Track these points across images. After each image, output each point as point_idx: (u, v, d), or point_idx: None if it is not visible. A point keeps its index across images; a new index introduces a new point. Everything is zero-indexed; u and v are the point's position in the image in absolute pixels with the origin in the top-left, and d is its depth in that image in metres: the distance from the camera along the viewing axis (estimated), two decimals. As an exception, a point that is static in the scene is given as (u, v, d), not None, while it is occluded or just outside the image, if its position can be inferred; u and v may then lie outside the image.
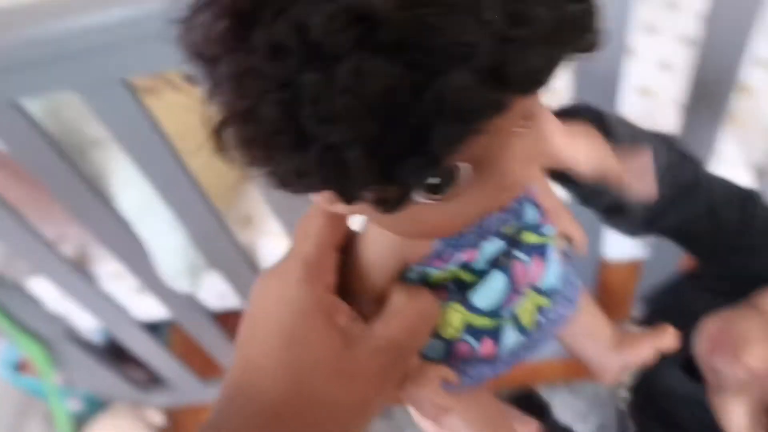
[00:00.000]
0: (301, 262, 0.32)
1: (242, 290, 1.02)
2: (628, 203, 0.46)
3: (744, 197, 0.52)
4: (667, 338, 0.43)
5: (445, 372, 0.35)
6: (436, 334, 0.35)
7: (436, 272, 0.34)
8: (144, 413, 1.35)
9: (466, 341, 0.36)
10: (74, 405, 1.37)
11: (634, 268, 1.11)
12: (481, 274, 0.34)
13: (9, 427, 1.34)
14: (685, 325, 0.49)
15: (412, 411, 0.37)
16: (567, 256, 0.40)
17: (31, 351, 1.17)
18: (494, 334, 0.36)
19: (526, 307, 0.37)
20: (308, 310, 0.31)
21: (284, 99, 0.22)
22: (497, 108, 0.23)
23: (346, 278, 0.34)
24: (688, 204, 0.49)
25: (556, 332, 0.41)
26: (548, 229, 0.37)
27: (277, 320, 0.31)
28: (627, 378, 0.60)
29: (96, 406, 1.37)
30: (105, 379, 1.31)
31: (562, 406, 1.23)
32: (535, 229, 0.36)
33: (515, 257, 0.35)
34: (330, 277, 0.33)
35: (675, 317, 0.53)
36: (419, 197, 0.26)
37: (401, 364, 0.33)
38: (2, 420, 1.34)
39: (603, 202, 0.48)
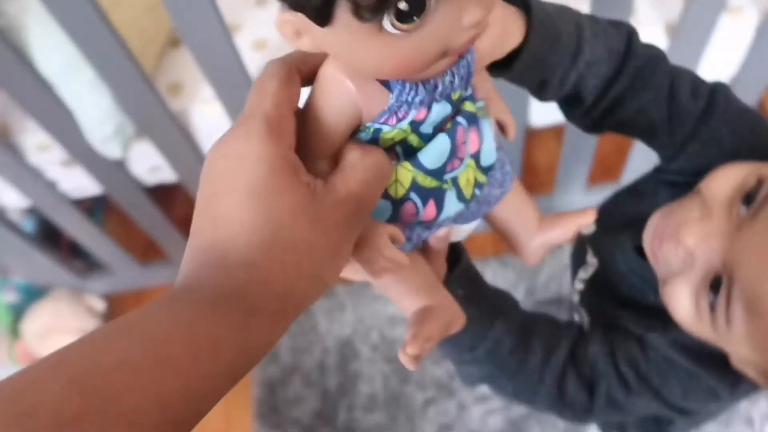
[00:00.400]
0: (263, 120, 0.32)
1: (176, 162, 1.01)
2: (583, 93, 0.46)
3: (706, 87, 0.50)
4: (587, 217, 0.45)
5: (394, 229, 0.36)
6: (386, 195, 0.37)
7: (388, 130, 0.35)
8: (84, 299, 1.35)
9: (413, 201, 0.37)
10: (10, 296, 1.36)
11: (557, 133, 1.15)
12: (426, 139, 0.36)
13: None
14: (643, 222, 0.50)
15: (363, 272, 0.37)
16: (499, 142, 0.42)
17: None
18: (438, 196, 0.38)
19: (467, 177, 0.39)
20: (275, 165, 0.31)
21: None
22: None
23: (301, 141, 0.34)
24: (648, 90, 0.47)
25: (487, 210, 0.44)
26: (482, 103, 0.39)
27: (245, 177, 0.31)
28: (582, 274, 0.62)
29: (33, 296, 1.36)
30: (41, 266, 1.30)
31: (493, 276, 1.30)
32: (472, 99, 0.38)
33: (458, 123, 0.37)
34: (290, 138, 0.33)
35: (630, 215, 0.56)
36: (389, 26, 0.28)
37: (361, 216, 0.34)
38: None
39: (559, 92, 0.46)
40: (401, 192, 0.37)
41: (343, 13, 0.28)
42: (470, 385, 0.97)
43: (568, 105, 0.49)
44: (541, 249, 0.47)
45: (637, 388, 0.51)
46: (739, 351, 0.44)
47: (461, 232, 0.45)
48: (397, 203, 0.37)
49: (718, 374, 0.49)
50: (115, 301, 1.43)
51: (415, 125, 0.35)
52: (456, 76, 0.35)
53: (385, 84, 0.34)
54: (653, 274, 0.49)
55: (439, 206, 0.38)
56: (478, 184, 0.40)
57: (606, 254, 0.59)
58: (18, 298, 1.36)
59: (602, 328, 0.54)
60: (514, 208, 0.46)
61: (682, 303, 0.45)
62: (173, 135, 0.96)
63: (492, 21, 0.35)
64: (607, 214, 0.54)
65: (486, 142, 0.39)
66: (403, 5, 0.28)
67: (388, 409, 1.21)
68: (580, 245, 0.64)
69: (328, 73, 0.34)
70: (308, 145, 0.35)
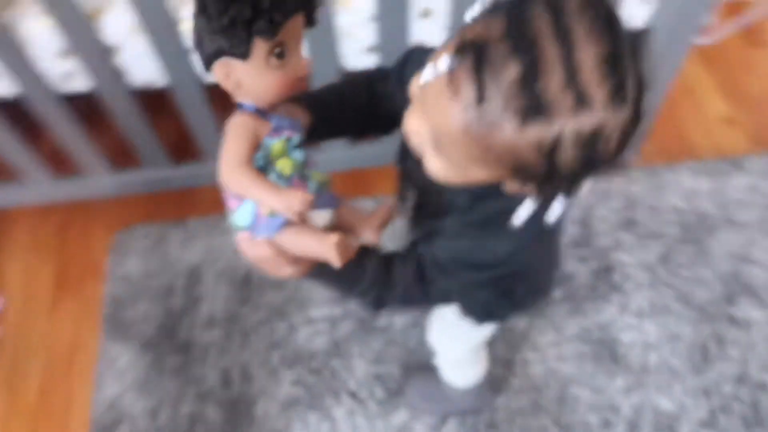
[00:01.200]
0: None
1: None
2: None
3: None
4: (384, 212, 0.72)
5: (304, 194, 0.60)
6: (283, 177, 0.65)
7: (274, 142, 0.64)
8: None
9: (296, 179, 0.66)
10: None
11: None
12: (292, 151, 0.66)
13: None
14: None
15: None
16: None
17: None
18: (304, 180, 0.67)
19: (315, 176, 0.69)
20: None
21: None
22: (286, 15, 0.58)
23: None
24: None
25: (328, 207, 0.71)
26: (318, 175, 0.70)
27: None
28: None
29: None
30: None
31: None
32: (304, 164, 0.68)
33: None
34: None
35: None
36: (270, 61, 0.60)
37: None
38: None
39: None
40: (288, 173, 0.66)
41: (258, 50, 0.58)
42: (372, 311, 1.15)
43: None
44: (371, 238, 0.72)
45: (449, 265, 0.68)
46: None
47: (316, 217, 0.69)
48: (289, 179, 0.66)
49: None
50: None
51: (287, 139, 0.64)
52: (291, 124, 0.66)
53: (267, 118, 0.63)
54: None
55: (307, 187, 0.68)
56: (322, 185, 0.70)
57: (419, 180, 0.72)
58: None
59: (424, 237, 0.71)
60: (345, 215, 0.73)
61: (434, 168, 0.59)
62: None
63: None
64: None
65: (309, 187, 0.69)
66: (278, 51, 0.60)
67: (225, 328, 1.35)
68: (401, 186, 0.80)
69: (239, 120, 0.63)
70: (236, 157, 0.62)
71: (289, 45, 0.60)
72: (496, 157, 0.50)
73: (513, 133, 0.47)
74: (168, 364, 1.32)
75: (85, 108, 1.36)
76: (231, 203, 0.67)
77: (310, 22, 0.62)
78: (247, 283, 1.40)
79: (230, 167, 0.61)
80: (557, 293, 1.36)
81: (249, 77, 0.60)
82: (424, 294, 0.72)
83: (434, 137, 0.54)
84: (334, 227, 0.71)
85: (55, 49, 1.16)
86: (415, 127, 0.57)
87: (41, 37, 1.14)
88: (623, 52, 0.47)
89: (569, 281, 1.37)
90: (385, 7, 1.11)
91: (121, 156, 1.47)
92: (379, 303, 0.74)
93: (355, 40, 1.19)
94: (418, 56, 0.68)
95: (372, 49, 1.21)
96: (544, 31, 0.46)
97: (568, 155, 0.48)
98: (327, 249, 0.64)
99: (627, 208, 1.48)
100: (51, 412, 1.31)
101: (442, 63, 0.50)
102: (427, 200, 0.72)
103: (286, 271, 0.70)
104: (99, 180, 1.46)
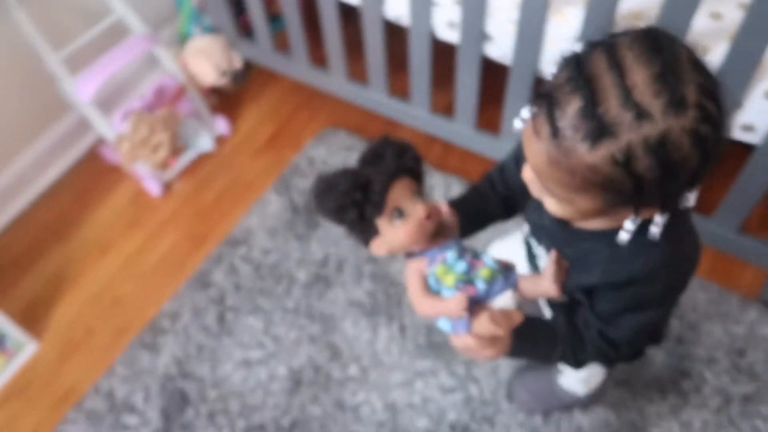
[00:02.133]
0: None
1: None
2: None
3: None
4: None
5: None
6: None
7: (435, 269, 0.77)
8: (231, 51, 1.88)
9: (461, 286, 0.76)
10: (197, 29, 1.93)
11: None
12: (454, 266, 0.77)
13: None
14: None
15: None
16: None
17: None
18: (469, 283, 0.76)
19: (482, 273, 0.76)
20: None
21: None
22: (381, 194, 0.72)
23: None
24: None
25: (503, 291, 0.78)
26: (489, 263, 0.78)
27: None
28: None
29: (206, 31, 1.92)
30: (222, 16, 1.84)
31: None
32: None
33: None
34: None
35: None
36: (395, 223, 0.74)
37: None
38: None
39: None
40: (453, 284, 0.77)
41: (382, 223, 0.73)
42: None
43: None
44: (553, 292, 0.76)
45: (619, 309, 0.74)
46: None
47: (498, 303, 0.78)
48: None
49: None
50: (249, 65, 1.97)
51: (445, 263, 0.76)
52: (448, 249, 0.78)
53: (423, 255, 0.78)
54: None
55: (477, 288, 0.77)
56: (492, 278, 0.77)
57: (540, 231, 0.82)
58: (198, 30, 1.93)
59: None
60: (526, 287, 0.79)
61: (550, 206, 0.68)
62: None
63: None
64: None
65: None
66: (396, 214, 0.73)
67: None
68: (527, 246, 0.90)
69: (408, 268, 0.79)
70: None
71: (402, 203, 0.73)
72: (583, 180, 0.58)
73: (587, 154, 0.56)
74: (299, 229, 1.63)
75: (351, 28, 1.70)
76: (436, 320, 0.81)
77: (416, 176, 0.75)
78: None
79: (415, 303, 0.77)
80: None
81: (390, 241, 0.74)
82: (612, 348, 0.78)
83: (538, 177, 0.64)
84: (521, 303, 0.87)
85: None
86: (528, 175, 0.67)
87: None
88: (676, 67, 0.54)
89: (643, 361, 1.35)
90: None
91: (360, 73, 1.79)
92: (578, 363, 0.81)
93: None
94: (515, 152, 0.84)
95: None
96: (599, 67, 0.55)
97: (644, 164, 0.54)
98: (487, 324, 0.74)
99: (747, 338, 1.37)
100: (213, 215, 1.72)
101: (525, 113, 0.63)
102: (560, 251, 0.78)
103: (489, 353, 0.78)
104: (340, 82, 1.80)
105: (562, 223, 0.75)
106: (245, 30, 1.91)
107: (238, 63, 1.90)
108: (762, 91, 1.16)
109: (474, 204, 0.89)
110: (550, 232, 0.79)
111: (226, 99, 1.98)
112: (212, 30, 1.93)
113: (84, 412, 1.41)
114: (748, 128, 1.21)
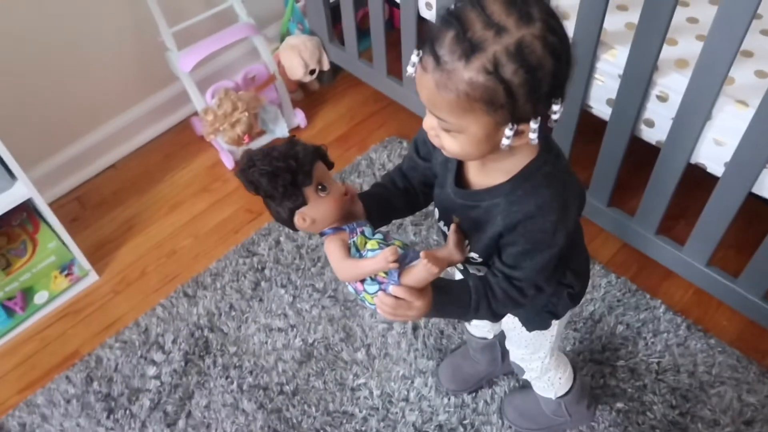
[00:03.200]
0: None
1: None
2: None
3: None
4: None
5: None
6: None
7: (355, 239, 0.83)
8: (322, 53, 2.04)
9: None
10: (297, 29, 2.11)
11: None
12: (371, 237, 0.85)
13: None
14: None
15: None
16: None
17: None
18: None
19: (396, 243, 0.84)
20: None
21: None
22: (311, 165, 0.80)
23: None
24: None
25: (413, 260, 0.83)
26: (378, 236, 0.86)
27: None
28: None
29: (304, 32, 2.09)
30: (319, 20, 2.01)
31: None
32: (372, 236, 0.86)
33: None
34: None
35: None
36: (320, 195, 0.81)
37: None
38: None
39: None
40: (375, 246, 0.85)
41: (309, 193, 0.80)
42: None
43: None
44: (458, 256, 0.86)
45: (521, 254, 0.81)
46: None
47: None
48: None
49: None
50: (337, 70, 2.12)
51: (364, 234, 0.84)
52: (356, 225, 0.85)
53: (342, 230, 0.83)
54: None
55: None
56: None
57: (448, 209, 0.91)
58: (299, 31, 2.12)
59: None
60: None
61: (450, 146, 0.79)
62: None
63: None
64: None
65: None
66: (321, 187, 0.80)
67: (389, 228, 1.70)
68: (439, 231, 0.99)
69: (328, 241, 0.84)
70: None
71: (324, 180, 0.81)
72: (467, 98, 0.67)
73: (464, 70, 0.66)
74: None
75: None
76: (358, 288, 0.85)
77: (327, 164, 0.84)
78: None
79: (339, 267, 0.83)
80: None
81: (315, 212, 0.82)
82: (518, 291, 0.85)
83: (432, 113, 0.74)
84: None
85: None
86: (427, 123, 0.77)
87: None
88: None
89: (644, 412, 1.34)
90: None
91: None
92: (493, 313, 0.87)
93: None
94: (423, 131, 0.89)
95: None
96: (465, 8, 0.67)
97: (509, 69, 0.65)
98: (424, 266, 0.79)
99: (759, 409, 1.32)
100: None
101: (413, 59, 0.72)
102: (465, 218, 0.86)
103: (416, 307, 0.83)
104: (411, 94, 1.91)
105: (462, 192, 0.85)
106: (338, 37, 2.07)
107: (326, 65, 2.06)
108: None
109: (378, 194, 0.95)
110: (453, 202, 0.86)
111: (310, 95, 2.14)
112: (311, 33, 2.10)
113: (120, 341, 1.57)
114: None
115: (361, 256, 0.83)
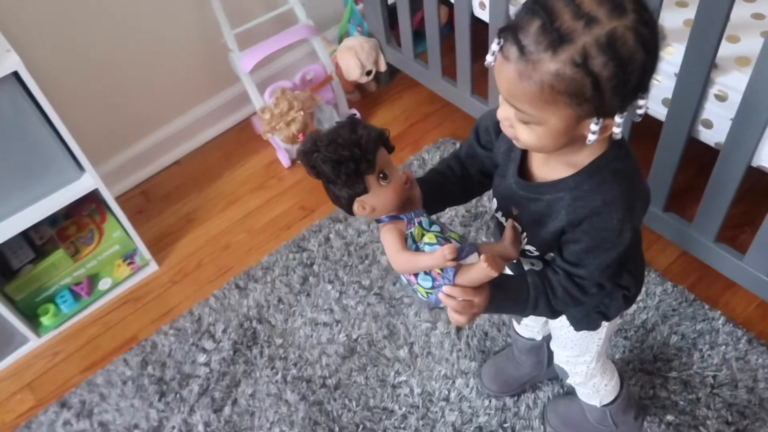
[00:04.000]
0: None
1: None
2: None
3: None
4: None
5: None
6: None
7: (413, 230, 0.82)
8: (379, 54, 2.06)
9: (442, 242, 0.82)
10: (356, 31, 2.14)
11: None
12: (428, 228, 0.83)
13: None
14: None
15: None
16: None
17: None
18: (447, 241, 0.82)
19: (453, 236, 0.83)
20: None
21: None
22: (374, 153, 0.78)
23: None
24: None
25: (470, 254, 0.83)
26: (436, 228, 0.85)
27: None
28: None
29: (363, 34, 2.12)
30: (377, 23, 2.04)
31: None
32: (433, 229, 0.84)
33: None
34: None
35: None
36: (381, 183, 0.79)
37: None
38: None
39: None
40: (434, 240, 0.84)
41: (371, 181, 0.78)
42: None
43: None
44: (513, 254, 0.86)
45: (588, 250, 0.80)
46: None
47: (468, 263, 0.82)
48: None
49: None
50: (394, 71, 2.14)
51: (422, 225, 0.83)
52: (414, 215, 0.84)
53: (400, 219, 0.83)
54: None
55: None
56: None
57: (507, 200, 0.87)
58: (358, 33, 2.15)
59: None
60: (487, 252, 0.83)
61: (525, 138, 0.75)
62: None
63: None
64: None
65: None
66: (382, 175, 0.79)
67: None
68: (497, 228, 0.96)
69: (384, 230, 0.83)
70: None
71: (386, 168, 0.80)
72: (551, 90, 0.65)
73: (550, 61, 0.64)
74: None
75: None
76: (412, 280, 0.84)
77: (389, 149, 0.82)
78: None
79: (396, 259, 0.82)
80: None
81: (375, 201, 0.80)
82: (579, 290, 0.83)
83: (510, 103, 0.71)
84: None
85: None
86: (502, 113, 0.74)
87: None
88: None
89: None
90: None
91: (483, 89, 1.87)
92: (552, 310, 0.85)
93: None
94: (485, 119, 0.90)
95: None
96: None
97: (599, 62, 0.63)
98: (484, 269, 0.77)
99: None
100: (324, 194, 1.90)
101: (493, 47, 0.70)
102: (525, 210, 0.85)
103: (475, 306, 0.81)
104: (465, 95, 1.90)
105: (524, 183, 0.82)
106: (396, 39, 2.08)
107: (383, 66, 2.08)
108: None
109: (435, 181, 0.93)
110: (514, 194, 0.84)
111: (367, 96, 2.17)
112: (369, 35, 2.13)
113: (175, 329, 1.63)
114: None
115: (417, 248, 0.82)
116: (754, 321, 1.46)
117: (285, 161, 1.99)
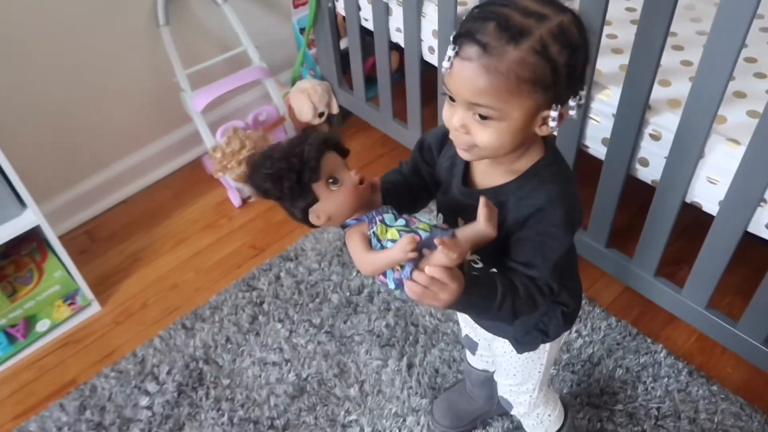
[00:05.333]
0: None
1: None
2: None
3: None
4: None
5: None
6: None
7: (375, 229, 0.79)
8: (332, 97, 2.10)
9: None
10: (309, 74, 2.18)
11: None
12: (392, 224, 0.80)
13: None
14: None
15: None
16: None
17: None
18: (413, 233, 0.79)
19: (421, 226, 0.80)
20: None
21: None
22: (317, 160, 0.77)
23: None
24: None
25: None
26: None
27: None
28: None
29: (316, 77, 2.16)
30: (330, 67, 2.08)
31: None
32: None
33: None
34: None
35: None
36: (332, 189, 0.77)
37: None
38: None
39: None
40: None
41: (319, 189, 0.76)
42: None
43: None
44: (490, 231, 0.80)
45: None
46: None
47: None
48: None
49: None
50: (347, 114, 2.17)
51: (384, 223, 0.79)
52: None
53: (361, 221, 0.80)
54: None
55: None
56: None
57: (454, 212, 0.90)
58: (311, 76, 2.19)
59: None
60: (463, 236, 0.81)
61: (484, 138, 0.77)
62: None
63: None
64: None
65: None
66: (332, 180, 0.77)
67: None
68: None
69: (348, 235, 0.81)
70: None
71: (335, 172, 0.78)
72: (516, 78, 0.69)
73: (515, 51, 0.69)
74: (345, 257, 1.75)
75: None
76: (381, 280, 0.81)
77: (342, 153, 0.81)
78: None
79: (359, 262, 0.80)
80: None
81: (329, 208, 0.78)
82: (537, 290, 0.83)
83: (473, 105, 0.74)
84: None
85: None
86: (458, 119, 0.75)
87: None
88: None
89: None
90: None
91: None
92: (514, 312, 0.84)
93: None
94: (428, 138, 0.93)
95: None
96: (495, 5, 0.72)
97: (555, 49, 0.70)
98: (441, 253, 0.74)
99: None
100: (278, 232, 1.89)
101: (449, 53, 0.74)
102: (471, 219, 0.83)
103: (450, 290, 0.77)
104: (415, 136, 1.94)
105: (469, 191, 0.85)
106: (348, 82, 2.13)
107: (335, 109, 2.12)
108: None
109: (394, 181, 0.95)
110: (459, 203, 0.86)
111: (320, 139, 2.19)
112: (322, 78, 2.17)
113: (116, 371, 1.57)
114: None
115: (381, 246, 0.79)
116: (693, 353, 1.51)
117: (236, 200, 1.98)
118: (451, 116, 0.77)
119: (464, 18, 0.74)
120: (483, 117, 0.73)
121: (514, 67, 0.69)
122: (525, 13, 0.70)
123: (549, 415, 1.18)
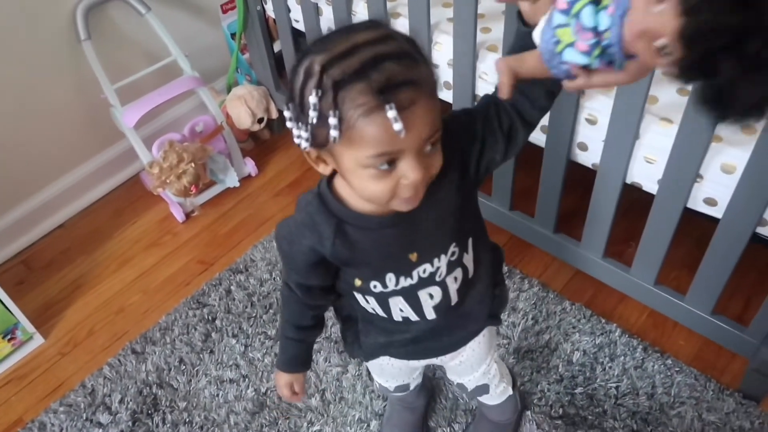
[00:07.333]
0: None
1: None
2: None
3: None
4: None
5: None
6: None
7: None
8: (270, 102, 2.06)
9: None
10: (245, 80, 2.13)
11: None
12: None
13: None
14: None
15: None
16: None
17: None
18: None
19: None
20: None
21: None
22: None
23: None
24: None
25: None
26: None
27: None
28: None
29: (252, 83, 2.11)
30: (265, 72, 2.04)
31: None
32: None
33: None
34: None
35: None
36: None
37: None
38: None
39: None
40: None
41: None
42: None
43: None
44: None
45: None
46: None
47: None
48: None
49: None
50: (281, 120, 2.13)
51: None
52: None
53: None
54: None
55: None
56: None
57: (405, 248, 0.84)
58: (247, 82, 2.14)
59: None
60: None
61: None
62: None
63: None
64: None
65: None
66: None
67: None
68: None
69: None
70: None
71: None
72: (435, 90, 0.72)
73: (424, 68, 0.69)
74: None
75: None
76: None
77: None
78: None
79: None
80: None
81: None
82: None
83: (427, 140, 0.70)
84: None
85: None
86: (416, 170, 0.69)
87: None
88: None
89: None
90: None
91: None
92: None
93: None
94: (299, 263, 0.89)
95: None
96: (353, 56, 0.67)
97: (423, 56, 0.71)
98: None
99: (720, 428, 1.30)
100: (225, 244, 1.84)
101: (392, 115, 0.64)
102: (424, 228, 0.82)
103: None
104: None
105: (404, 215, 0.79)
106: (285, 85, 2.09)
107: (274, 113, 2.07)
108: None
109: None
110: (419, 225, 0.82)
111: (262, 144, 2.15)
112: (258, 83, 2.12)
113: (65, 405, 1.50)
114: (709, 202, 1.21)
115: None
116: (647, 330, 1.54)
117: (179, 215, 1.92)
118: (399, 177, 0.70)
119: (344, 87, 0.66)
120: (434, 144, 0.70)
121: (431, 81, 0.70)
122: (381, 40, 0.68)
123: (505, 366, 1.23)
